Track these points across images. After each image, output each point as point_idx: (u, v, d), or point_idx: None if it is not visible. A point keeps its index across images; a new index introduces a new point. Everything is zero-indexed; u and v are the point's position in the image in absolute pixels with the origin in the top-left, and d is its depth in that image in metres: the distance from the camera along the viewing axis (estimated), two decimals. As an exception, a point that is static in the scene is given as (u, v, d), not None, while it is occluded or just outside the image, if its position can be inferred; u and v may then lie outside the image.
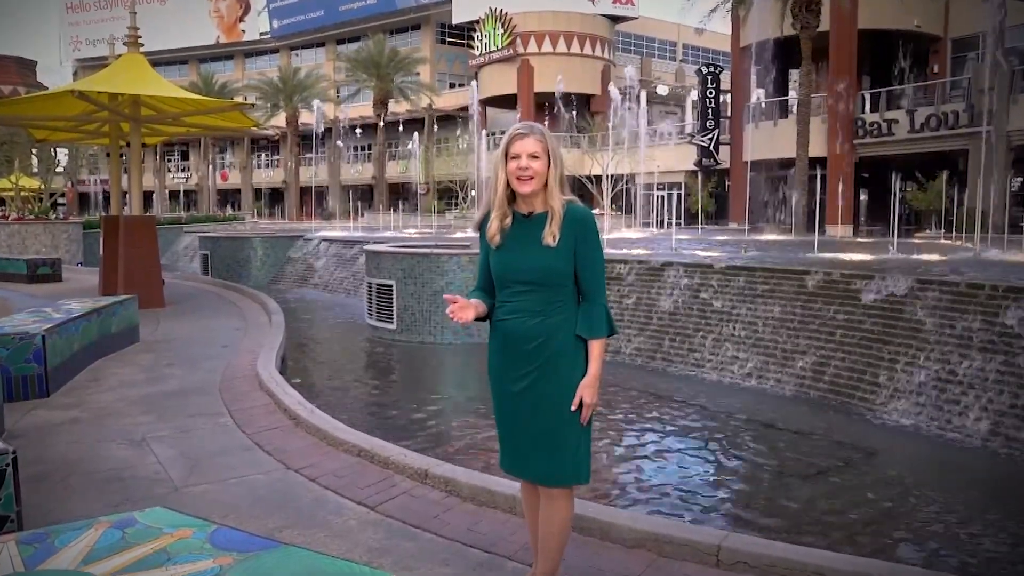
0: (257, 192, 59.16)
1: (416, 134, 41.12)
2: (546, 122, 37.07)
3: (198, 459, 4.68)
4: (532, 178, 2.63)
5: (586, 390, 2.67)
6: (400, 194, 44.20)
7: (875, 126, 24.84)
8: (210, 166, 55.23)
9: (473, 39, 44.59)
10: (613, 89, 24.62)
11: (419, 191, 39.40)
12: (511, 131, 2.69)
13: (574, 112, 37.75)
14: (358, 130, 46.20)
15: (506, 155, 2.66)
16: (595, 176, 32.71)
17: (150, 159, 54.62)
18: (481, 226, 2.78)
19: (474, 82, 36.86)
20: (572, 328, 2.68)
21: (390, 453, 4.54)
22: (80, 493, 4.11)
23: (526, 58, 40.76)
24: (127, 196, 18.84)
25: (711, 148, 31.24)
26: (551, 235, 2.62)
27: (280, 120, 48.82)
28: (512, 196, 2.71)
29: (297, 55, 58.06)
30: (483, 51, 43.05)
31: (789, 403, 7.37)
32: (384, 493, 4.11)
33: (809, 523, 4.53)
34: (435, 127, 45.39)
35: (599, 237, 2.73)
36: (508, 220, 2.70)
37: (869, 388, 6.98)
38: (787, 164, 25.90)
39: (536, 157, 2.63)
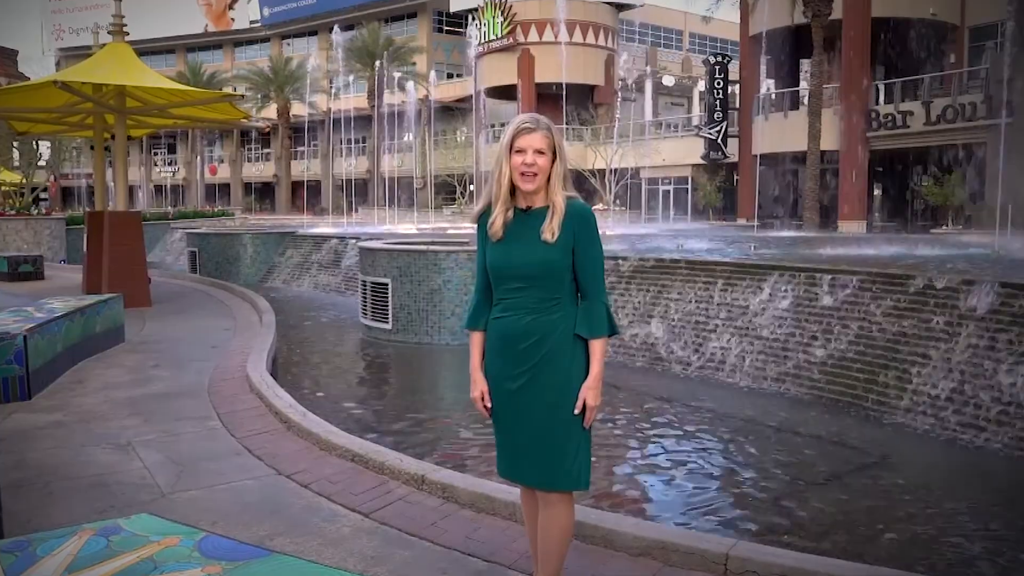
0: (247, 186, 59.15)
1: (413, 126, 41.11)
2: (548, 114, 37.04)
3: (186, 464, 4.68)
4: (536, 175, 2.64)
5: (589, 392, 2.67)
6: (396, 189, 44.23)
7: (889, 118, 24.82)
8: (198, 159, 55.23)
9: (472, 27, 44.55)
10: (621, 64, 24.14)
11: (415, 186, 39.41)
12: (516, 124, 2.69)
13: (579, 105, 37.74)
14: (352, 122, 46.25)
15: (510, 148, 2.66)
16: (598, 170, 32.71)
17: (136, 152, 54.57)
18: (480, 219, 2.78)
19: (473, 72, 36.87)
20: (569, 327, 2.68)
21: (385, 458, 4.54)
22: (63, 499, 4.11)
23: (527, 47, 40.72)
24: (112, 191, 18.86)
25: (719, 141, 31.22)
26: (550, 231, 2.63)
27: (271, 112, 48.82)
28: (514, 190, 2.71)
29: (288, 44, 58.02)
30: (482, 40, 43.01)
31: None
32: (379, 499, 4.11)
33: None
34: (432, 119, 45.43)
35: (599, 234, 2.74)
36: (510, 213, 2.71)
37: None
38: (798, 158, 25.90)
39: (542, 153, 2.64)
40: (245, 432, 5.32)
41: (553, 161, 2.66)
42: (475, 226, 2.84)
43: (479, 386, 2.81)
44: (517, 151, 2.65)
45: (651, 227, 23.48)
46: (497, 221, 2.70)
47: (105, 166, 14.24)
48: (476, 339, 2.85)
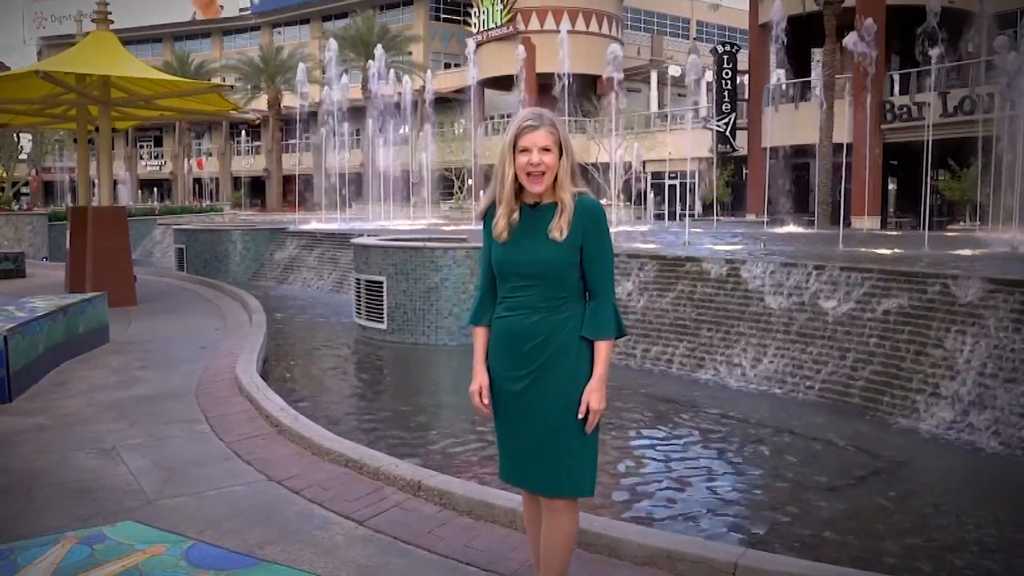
0: (236, 181, 59.04)
1: (409, 118, 41.05)
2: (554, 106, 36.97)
3: (173, 469, 4.68)
4: (543, 174, 2.63)
5: (592, 395, 2.66)
6: (392, 183, 44.19)
7: (904, 109, 24.79)
8: (185, 153, 55.16)
9: (470, 15, 44.52)
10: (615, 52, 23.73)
11: (411, 180, 39.37)
12: (519, 120, 2.68)
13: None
14: (345, 114, 46.20)
15: (514, 147, 2.65)
16: (602, 164, 32.66)
17: (120, 145, 54.56)
18: (485, 216, 2.78)
19: (471, 61, 36.85)
20: (576, 327, 2.68)
21: (380, 463, 4.55)
22: (45, 506, 4.11)
23: (527, 36, 40.68)
24: (96, 185, 18.85)
25: (727, 134, 31.20)
26: (558, 229, 2.62)
27: (261, 103, 48.73)
28: (520, 188, 2.71)
29: (279, 33, 57.95)
30: (481, 28, 42.99)
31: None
32: (374, 506, 4.11)
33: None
34: (431, 111, 45.39)
35: (609, 231, 2.73)
36: (516, 215, 2.70)
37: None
38: (809, 151, 25.86)
39: (548, 150, 2.62)
40: (234, 436, 5.32)
41: (560, 157, 2.65)
42: (477, 221, 2.84)
43: (479, 380, 2.80)
44: (521, 151, 2.63)
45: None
46: (501, 223, 2.69)
47: (89, 159, 14.22)
48: (480, 334, 2.85)
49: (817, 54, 29.65)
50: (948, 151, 23.74)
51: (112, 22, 12.16)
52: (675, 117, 37.95)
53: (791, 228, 21.40)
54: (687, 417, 7.15)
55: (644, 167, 30.79)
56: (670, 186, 34.89)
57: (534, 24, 41.20)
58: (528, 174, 2.63)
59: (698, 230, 18.75)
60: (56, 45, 54.51)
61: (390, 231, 16.99)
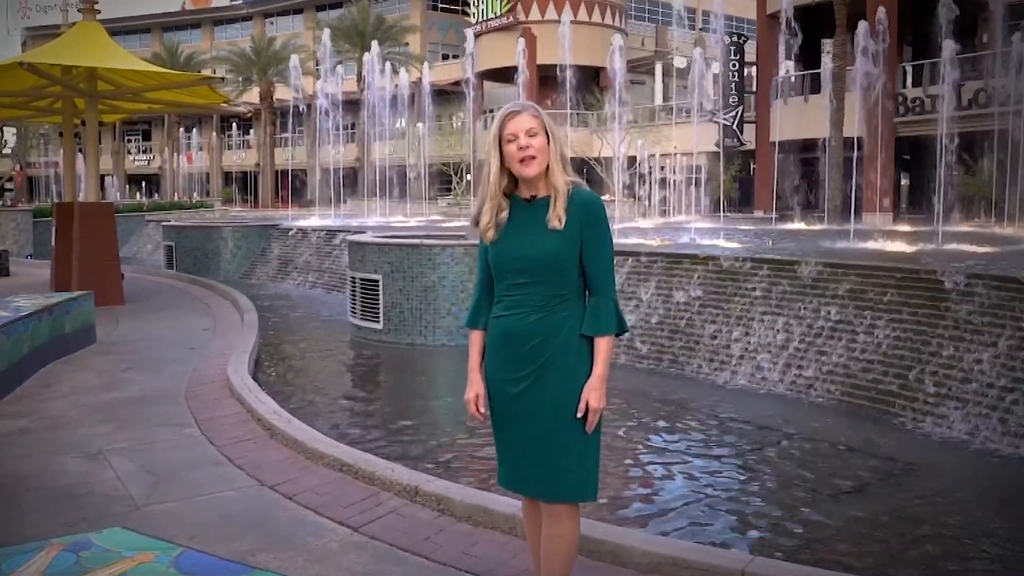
0: (227, 176, 59.05)
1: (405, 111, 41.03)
2: (553, 100, 36.93)
3: (161, 474, 4.68)
4: (535, 158, 2.64)
5: (592, 392, 2.66)
6: (388, 179, 44.19)
7: (917, 102, 24.78)
8: (174, 147, 55.16)
9: (469, 5, 44.50)
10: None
11: (408, 175, 39.38)
12: (502, 112, 2.72)
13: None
14: (340, 107, 46.17)
15: (500, 138, 2.67)
16: (605, 158, 32.69)
17: (108, 139, 54.58)
18: (478, 222, 2.79)
19: (470, 53, 36.84)
20: (576, 326, 2.69)
21: (376, 468, 4.55)
22: (30, 512, 4.12)
23: (527, 26, 40.67)
24: (82, 180, 18.85)
25: (735, 127, 31.19)
26: (557, 217, 2.63)
27: (253, 96, 48.74)
28: (515, 182, 2.71)
29: (272, 23, 57.95)
30: (480, 18, 42.98)
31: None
32: (369, 512, 4.11)
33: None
34: (427, 104, 45.38)
35: (608, 224, 2.73)
36: (504, 214, 2.70)
37: None
38: (818, 145, 25.84)
39: (535, 134, 2.64)
40: (225, 440, 5.32)
41: (548, 144, 2.67)
42: (471, 227, 2.85)
43: (475, 388, 2.81)
44: (508, 140, 2.65)
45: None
46: (485, 219, 2.70)
47: (75, 154, 14.23)
48: (476, 338, 2.85)
49: (827, 45, 29.62)
50: (962, 145, 23.72)
51: (99, 12, 12.16)
52: (680, 110, 37.95)
53: (801, 225, 21.38)
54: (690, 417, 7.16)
55: (650, 160, 30.77)
56: (675, 181, 34.84)
57: (535, 14, 41.18)
58: (520, 160, 2.63)
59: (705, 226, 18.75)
60: (41, 36, 54.51)
61: (387, 227, 16.99)
